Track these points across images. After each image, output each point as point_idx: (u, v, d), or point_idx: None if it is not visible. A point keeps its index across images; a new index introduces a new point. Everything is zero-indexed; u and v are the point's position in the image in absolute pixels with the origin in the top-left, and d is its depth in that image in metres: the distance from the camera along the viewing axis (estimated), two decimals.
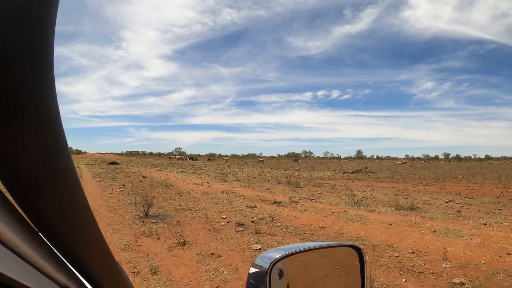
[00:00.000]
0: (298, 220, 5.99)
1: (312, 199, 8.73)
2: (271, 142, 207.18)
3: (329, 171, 25.85)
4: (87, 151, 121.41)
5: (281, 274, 0.70)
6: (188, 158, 58.22)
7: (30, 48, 0.21)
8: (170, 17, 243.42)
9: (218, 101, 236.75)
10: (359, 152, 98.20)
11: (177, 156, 61.10)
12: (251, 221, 5.79)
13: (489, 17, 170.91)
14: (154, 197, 8.28)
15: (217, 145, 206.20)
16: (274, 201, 8.11)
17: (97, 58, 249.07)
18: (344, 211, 6.91)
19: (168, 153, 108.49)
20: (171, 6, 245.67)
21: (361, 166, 29.33)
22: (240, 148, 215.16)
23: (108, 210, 6.66)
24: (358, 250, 0.81)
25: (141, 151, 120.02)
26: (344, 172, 22.52)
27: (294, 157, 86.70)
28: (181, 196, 8.88)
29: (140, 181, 12.74)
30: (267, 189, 11.11)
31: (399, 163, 43.09)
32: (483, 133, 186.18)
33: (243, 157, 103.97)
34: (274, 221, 5.84)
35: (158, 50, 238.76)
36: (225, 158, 54.88)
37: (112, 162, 30.36)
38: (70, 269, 0.34)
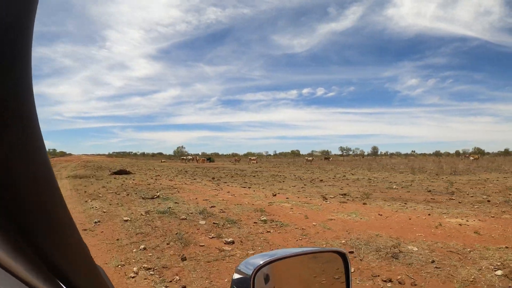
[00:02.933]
0: None
1: None
2: (257, 140, 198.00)
3: (493, 173, 16.31)
4: (72, 153, 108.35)
5: (267, 279, 0.67)
6: (205, 159, 46.43)
7: (4, 50, 0.21)
8: (154, 16, 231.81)
9: (204, 100, 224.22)
10: (374, 148, 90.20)
11: (189, 157, 48.71)
12: None
13: (472, 14, 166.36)
14: None
15: (203, 144, 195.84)
16: None
17: (80, 58, 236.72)
18: None
19: (158, 153, 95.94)
20: (155, 5, 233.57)
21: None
22: (226, 147, 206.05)
23: None
24: (342, 255, 0.78)
25: (130, 152, 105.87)
26: None
27: (325, 154, 77.06)
28: None
29: None
30: None
31: (472, 159, 34.90)
32: (467, 128, 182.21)
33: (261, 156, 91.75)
34: None
35: (143, 49, 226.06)
36: (253, 158, 43.40)
37: (119, 171, 18.31)
38: (46, 272, 0.31)
